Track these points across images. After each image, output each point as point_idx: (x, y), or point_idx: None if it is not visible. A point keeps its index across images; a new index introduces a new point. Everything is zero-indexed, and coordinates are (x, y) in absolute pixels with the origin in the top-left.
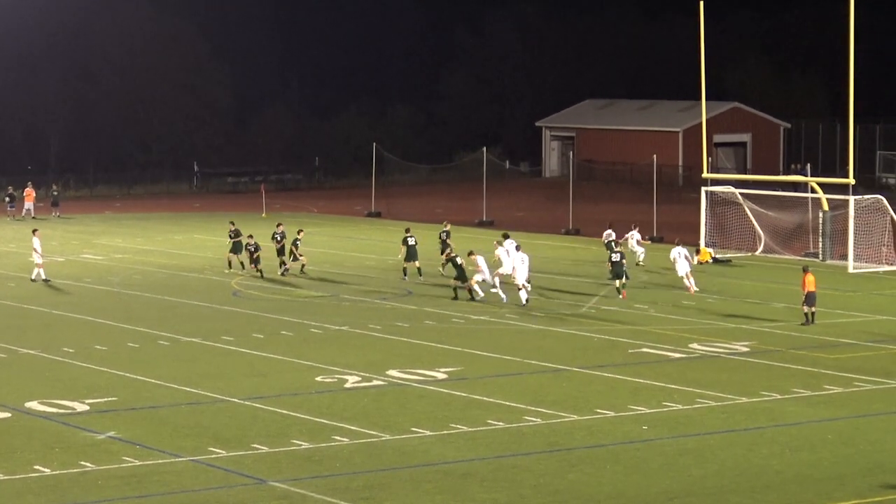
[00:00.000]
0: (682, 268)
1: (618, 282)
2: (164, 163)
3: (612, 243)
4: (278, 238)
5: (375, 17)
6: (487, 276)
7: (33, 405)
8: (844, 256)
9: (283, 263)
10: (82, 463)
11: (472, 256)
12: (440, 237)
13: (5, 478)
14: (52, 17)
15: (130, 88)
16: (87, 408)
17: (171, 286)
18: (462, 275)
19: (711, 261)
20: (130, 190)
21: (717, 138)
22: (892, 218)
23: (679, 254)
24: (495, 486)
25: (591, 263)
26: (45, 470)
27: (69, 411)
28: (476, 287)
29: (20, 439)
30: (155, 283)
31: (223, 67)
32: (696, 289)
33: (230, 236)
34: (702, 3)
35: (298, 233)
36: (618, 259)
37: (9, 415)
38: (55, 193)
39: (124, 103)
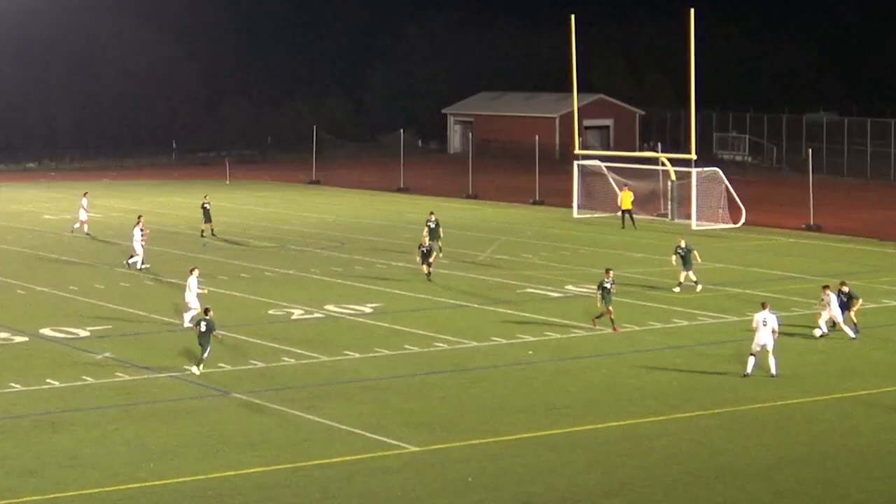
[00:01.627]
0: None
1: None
2: (149, 141)
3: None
4: (206, 207)
5: (315, 23)
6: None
7: (46, 331)
8: (689, 216)
9: (203, 232)
10: (84, 377)
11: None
12: (426, 225)
13: (23, 388)
14: (62, 27)
15: (123, 83)
16: (88, 334)
17: (155, 238)
18: None
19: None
20: (123, 163)
21: (586, 122)
22: (726, 186)
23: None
24: (411, 397)
25: (487, 222)
26: (55, 382)
27: (74, 336)
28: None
29: (35, 358)
30: None
31: (196, 66)
32: None
33: None
34: (573, 17)
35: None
36: (433, 227)
37: (26, 339)
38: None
39: (118, 94)
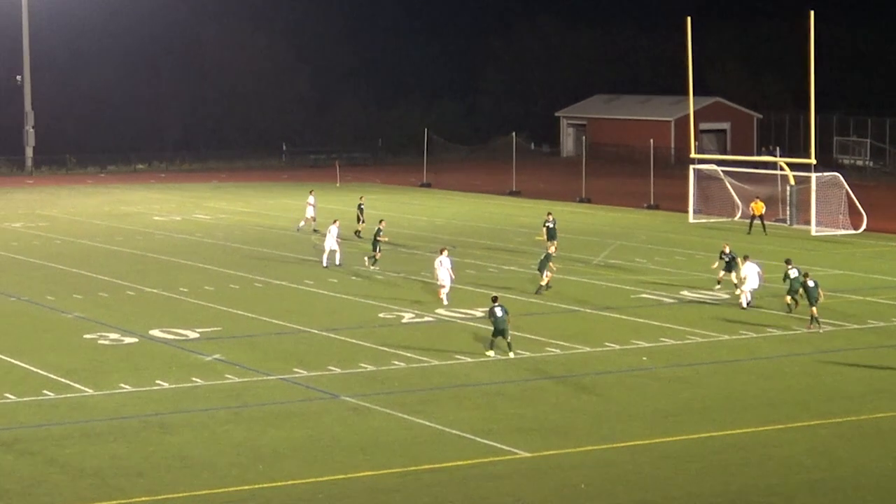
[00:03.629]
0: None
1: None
2: (259, 143)
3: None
4: (362, 208)
5: (427, 25)
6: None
7: (155, 332)
8: (808, 222)
9: (359, 232)
10: (193, 379)
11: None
12: (545, 225)
13: (133, 389)
14: (171, 30)
15: (233, 85)
16: (198, 335)
17: (264, 240)
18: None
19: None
20: (233, 164)
21: (702, 126)
22: (846, 191)
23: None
24: (522, 403)
25: (601, 226)
26: (164, 384)
27: (183, 338)
28: None
29: (145, 360)
30: (251, 238)
31: (307, 68)
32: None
33: None
34: (689, 19)
35: (360, 198)
36: (551, 227)
37: (136, 340)
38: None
39: (229, 97)
